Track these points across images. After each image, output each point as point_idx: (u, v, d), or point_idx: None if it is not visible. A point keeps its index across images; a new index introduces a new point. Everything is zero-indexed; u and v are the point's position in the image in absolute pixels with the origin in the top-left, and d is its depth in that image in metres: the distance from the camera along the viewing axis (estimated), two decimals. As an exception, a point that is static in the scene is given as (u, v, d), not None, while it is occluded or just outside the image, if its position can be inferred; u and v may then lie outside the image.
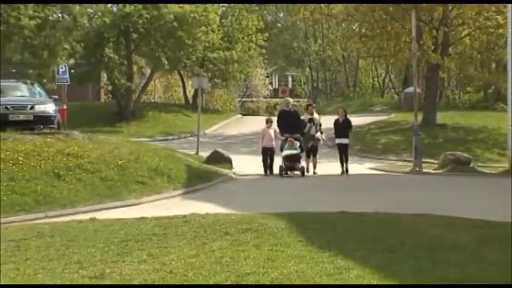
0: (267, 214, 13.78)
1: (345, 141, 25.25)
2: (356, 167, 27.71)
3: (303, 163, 24.17)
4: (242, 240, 11.20)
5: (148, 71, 50.21)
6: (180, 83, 58.20)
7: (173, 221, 13.36)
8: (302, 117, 25.05)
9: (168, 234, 12.03)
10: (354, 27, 44.49)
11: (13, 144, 21.62)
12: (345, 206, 14.72)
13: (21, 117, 25.32)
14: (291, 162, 23.77)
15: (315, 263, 9.52)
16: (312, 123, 24.78)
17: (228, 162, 25.88)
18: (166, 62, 44.19)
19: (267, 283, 8.58)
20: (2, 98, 24.70)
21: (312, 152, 24.90)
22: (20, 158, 20.47)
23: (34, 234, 12.36)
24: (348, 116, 26.25)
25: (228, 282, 8.65)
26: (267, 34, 54.81)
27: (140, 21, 42.11)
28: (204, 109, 40.76)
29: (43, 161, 20.71)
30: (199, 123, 31.53)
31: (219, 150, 27.24)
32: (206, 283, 8.69)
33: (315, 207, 14.94)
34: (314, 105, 29.36)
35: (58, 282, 9.06)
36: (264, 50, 55.11)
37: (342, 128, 25.39)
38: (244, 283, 8.62)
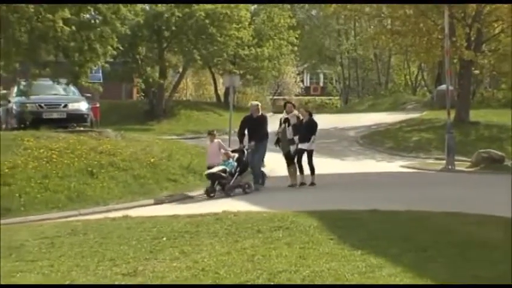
0: (298, 212, 13.78)
1: (303, 146, 20.92)
2: (386, 165, 27.62)
3: (238, 179, 20.09)
4: (274, 238, 11.22)
5: (180, 69, 50.35)
6: (212, 81, 58.30)
7: (205, 219, 13.42)
8: (282, 116, 21.66)
9: (200, 231, 12.08)
10: (385, 24, 44.30)
11: (47, 142, 21.84)
12: (376, 204, 14.67)
13: (55, 116, 25.58)
14: (212, 181, 19.88)
15: (347, 261, 9.51)
16: (287, 124, 21.05)
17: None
18: (198, 59, 44.30)
19: (299, 281, 8.59)
20: (36, 97, 24.92)
21: (288, 159, 21.16)
22: (54, 156, 20.66)
23: (68, 232, 12.48)
24: (314, 117, 21.94)
25: (260, 280, 8.68)
26: (298, 32, 54.71)
27: (172, 20, 42.26)
28: (235, 107, 40.67)
29: (76, 159, 20.90)
30: (231, 121, 31.53)
31: (251, 148, 27.20)
32: (238, 281, 8.72)
33: (346, 205, 14.91)
34: (293, 102, 24.09)
35: (92, 280, 9.14)
36: (295, 48, 55.01)
37: (303, 130, 21.01)
38: (276, 281, 8.63)
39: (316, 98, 77.73)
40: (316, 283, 8.53)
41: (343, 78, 77.47)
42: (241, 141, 20.94)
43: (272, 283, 8.56)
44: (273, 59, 52.68)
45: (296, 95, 71.43)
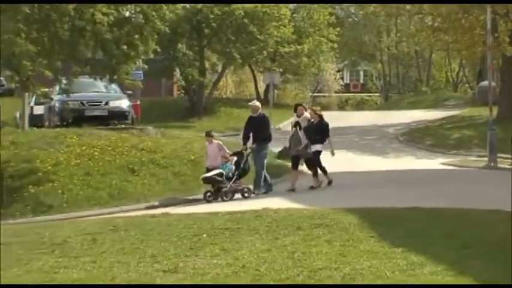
0: (338, 209, 13.75)
1: (317, 147, 20.17)
2: (427, 163, 27.41)
3: (238, 183, 19.53)
4: (314, 236, 11.21)
5: (220, 67, 50.46)
6: (252, 78, 58.36)
7: (245, 216, 13.43)
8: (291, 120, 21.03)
9: (241, 229, 12.10)
10: (426, 21, 43.95)
11: (89, 139, 22.07)
12: (416, 201, 14.58)
13: (96, 113, 25.84)
14: (210, 184, 19.43)
15: (388, 259, 9.47)
16: (299, 128, 20.28)
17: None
18: (238, 57, 44.37)
19: (339, 279, 8.58)
20: (77, 94, 25.17)
21: (294, 162, 20.40)
22: (96, 153, 20.87)
23: (109, 228, 12.59)
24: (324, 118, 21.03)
25: (300, 278, 8.68)
26: (338, 29, 54.53)
27: (211, 16, 42.36)
28: (275, 104, 40.77)
29: (118, 156, 21.09)
30: (270, 118, 31.53)
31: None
32: (278, 277, 8.73)
33: (386, 202, 14.84)
34: (304, 105, 22.83)
35: (133, 276, 9.20)
36: (335, 45, 54.83)
37: (313, 132, 20.23)
38: (316, 278, 8.63)
39: (356, 95, 77.51)
40: (357, 281, 8.50)
41: (384, 75, 77.08)
42: (244, 143, 20.07)
43: (312, 280, 8.56)
44: (312, 56, 52.57)
45: (336, 92, 71.31)
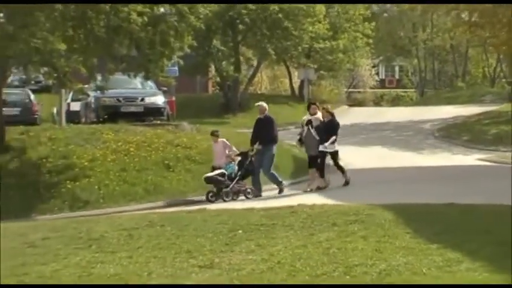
0: (373, 205, 13.69)
1: (322, 148, 19.58)
2: (463, 159, 27.23)
3: (241, 184, 19.33)
4: (349, 232, 11.18)
5: (255, 62, 50.48)
6: (287, 74, 58.31)
7: (281, 212, 13.43)
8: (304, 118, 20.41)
9: (276, 224, 12.10)
10: (463, 16, 43.61)
11: (125, 135, 22.24)
12: (453, 197, 14.48)
13: (132, 109, 26.01)
14: (211, 184, 19.31)
15: (424, 255, 9.42)
16: (310, 126, 19.84)
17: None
18: (272, 53, 44.37)
19: (375, 275, 8.56)
20: (113, 91, 25.34)
21: (313, 162, 19.88)
22: (132, 149, 21.04)
23: (145, 224, 12.66)
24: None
25: (336, 274, 8.67)
26: (374, 24, 54.26)
27: (245, 12, 42.36)
28: (310, 100, 40.62)
29: (153, 152, 21.23)
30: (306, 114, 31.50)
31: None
32: (314, 273, 8.73)
33: (421, 198, 14.76)
34: (318, 104, 21.88)
35: (169, 271, 9.25)
36: (370, 40, 54.58)
37: (322, 131, 19.79)
38: (352, 274, 8.62)
39: (392, 90, 77.04)
40: (393, 277, 8.48)
41: (419, 70, 76.58)
42: (251, 144, 19.77)
43: (348, 276, 8.55)
44: (348, 52, 52.36)
45: (371, 88, 70.98)
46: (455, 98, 55.65)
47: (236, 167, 19.28)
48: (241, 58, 46.84)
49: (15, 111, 29.03)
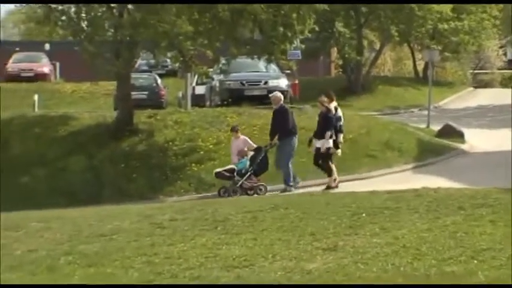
0: (501, 189, 13.34)
1: (317, 144, 18.35)
2: None
3: (253, 180, 18.51)
4: (477, 215, 10.93)
5: (378, 45, 49.99)
6: (410, 55, 57.46)
7: (405, 195, 13.26)
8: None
9: (400, 208, 11.97)
10: None
11: (248, 118, 22.48)
12: None
13: (256, 92, 26.23)
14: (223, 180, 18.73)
15: (554, 241, 9.12)
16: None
17: (460, 136, 25.33)
18: (396, 35, 43.84)
19: (504, 260, 8.34)
20: (237, 74, 25.64)
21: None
22: (255, 132, 21.25)
23: (269, 206, 12.73)
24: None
25: (463, 258, 8.49)
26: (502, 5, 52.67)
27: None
28: (434, 82, 39.90)
29: (276, 136, 21.25)
30: (430, 96, 31.05)
31: (451, 123, 26.72)
32: (440, 257, 8.59)
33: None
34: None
35: (293, 253, 9.28)
36: (497, 21, 53.03)
37: (319, 124, 18.54)
38: (480, 259, 8.42)
39: (520, 71, 74.72)
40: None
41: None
42: (271, 138, 18.82)
43: (475, 261, 8.37)
44: (473, 33, 51.08)
45: (498, 69, 69.04)
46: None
47: (248, 163, 18.47)
48: (364, 41, 46.43)
49: (143, 95, 29.84)
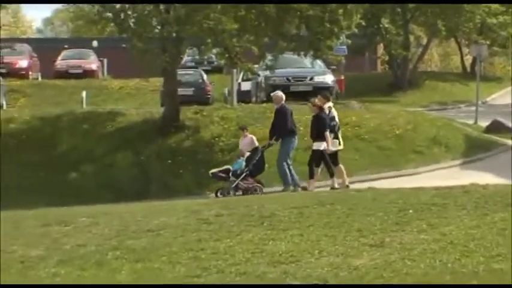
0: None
1: (313, 146, 17.91)
2: None
3: (249, 181, 18.21)
4: (526, 213, 10.79)
5: (424, 40, 49.60)
6: (458, 51, 56.92)
7: (452, 191, 13.15)
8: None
9: (448, 204, 11.86)
10: None
11: (295, 114, 22.35)
12: None
13: (301, 88, 26.22)
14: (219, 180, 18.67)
15: None
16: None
17: (508, 131, 25.04)
18: (443, 29, 43.47)
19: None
20: (283, 70, 25.63)
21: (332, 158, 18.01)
22: (301, 128, 21.16)
23: (315, 202, 12.72)
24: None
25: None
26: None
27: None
28: (482, 77, 39.55)
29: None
30: (478, 92, 30.74)
31: (500, 119, 26.42)
32: (488, 254, 8.50)
33: None
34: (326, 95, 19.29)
35: (340, 249, 9.26)
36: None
37: (312, 126, 18.12)
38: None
39: None
40: None
41: None
42: (270, 137, 18.53)
43: None
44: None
45: (548, 64, 67.96)
46: None
47: (244, 163, 18.21)
48: (411, 36, 46.12)
49: (189, 91, 29.97)
